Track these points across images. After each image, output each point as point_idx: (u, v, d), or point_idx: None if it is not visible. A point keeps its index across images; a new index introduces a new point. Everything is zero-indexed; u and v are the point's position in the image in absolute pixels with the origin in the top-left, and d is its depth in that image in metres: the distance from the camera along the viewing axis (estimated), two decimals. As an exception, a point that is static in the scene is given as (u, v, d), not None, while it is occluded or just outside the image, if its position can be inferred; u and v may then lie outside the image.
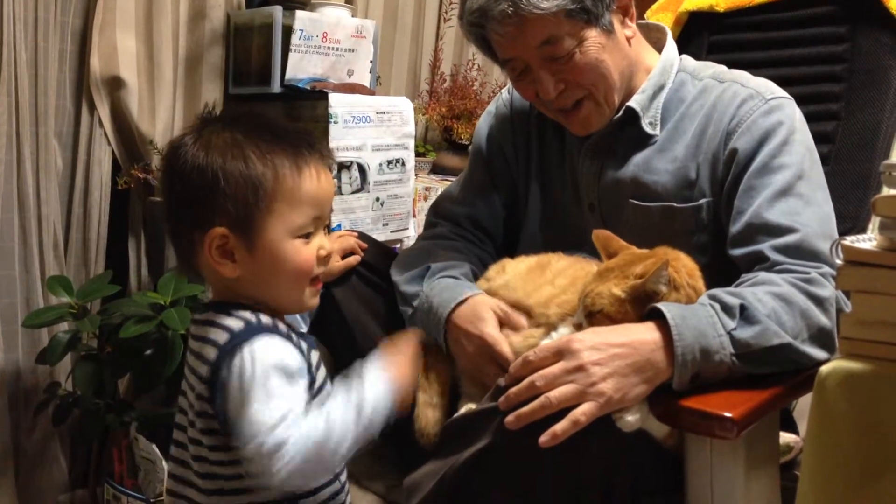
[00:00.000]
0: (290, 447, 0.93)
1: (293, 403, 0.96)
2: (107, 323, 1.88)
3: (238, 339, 0.99)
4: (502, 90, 1.57)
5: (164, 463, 1.79)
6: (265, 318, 1.03)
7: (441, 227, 1.51)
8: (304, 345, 1.05)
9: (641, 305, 1.10)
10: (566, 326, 1.19)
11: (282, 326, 1.04)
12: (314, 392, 1.03)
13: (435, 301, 1.31)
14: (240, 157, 1.01)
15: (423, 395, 1.30)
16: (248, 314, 1.03)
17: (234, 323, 1.01)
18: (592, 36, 1.28)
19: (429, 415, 1.28)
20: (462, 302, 1.29)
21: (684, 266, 1.15)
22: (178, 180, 1.03)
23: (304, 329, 1.22)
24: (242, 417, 0.96)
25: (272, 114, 2.16)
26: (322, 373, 1.07)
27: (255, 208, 1.01)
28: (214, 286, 1.09)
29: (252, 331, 1.00)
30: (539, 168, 1.48)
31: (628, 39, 1.34)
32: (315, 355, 1.07)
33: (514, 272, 1.32)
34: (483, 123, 1.55)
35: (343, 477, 1.11)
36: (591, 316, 1.12)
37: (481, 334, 1.24)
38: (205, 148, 1.02)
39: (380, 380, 1.02)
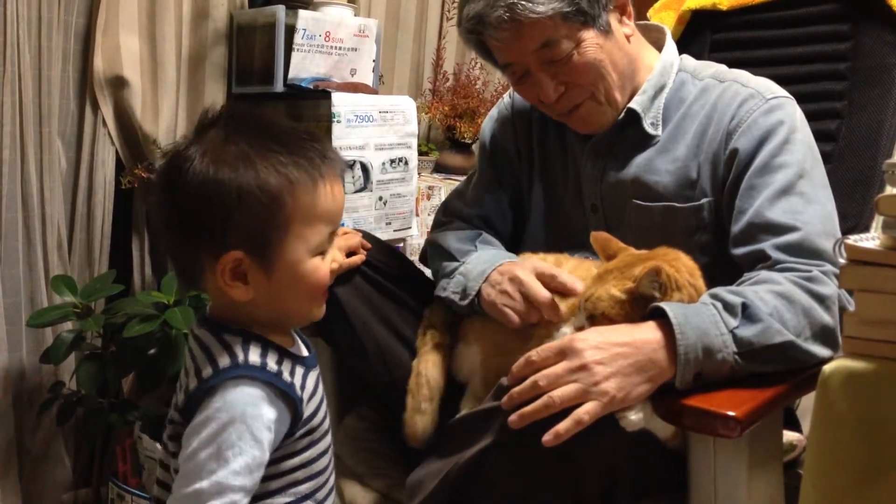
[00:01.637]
0: None
1: (240, 475, 0.93)
2: (110, 322, 1.88)
3: (219, 379, 0.95)
4: (504, 94, 1.58)
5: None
6: (253, 356, 0.97)
7: (456, 224, 1.52)
8: (297, 374, 1.01)
9: (641, 307, 1.10)
10: (568, 327, 1.19)
11: (271, 364, 0.98)
12: (301, 424, 1.00)
13: (484, 257, 1.34)
14: (253, 173, 0.94)
15: (412, 399, 1.30)
16: (238, 347, 0.97)
17: (222, 357, 0.96)
18: (590, 37, 1.28)
19: (416, 421, 1.28)
20: (509, 263, 1.31)
21: (685, 265, 1.15)
22: (184, 198, 0.95)
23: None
24: (189, 458, 0.94)
25: (275, 113, 2.15)
26: (316, 401, 1.03)
27: (272, 229, 0.95)
28: (218, 304, 1.03)
29: (234, 372, 0.95)
30: (541, 169, 1.48)
31: (627, 38, 1.35)
32: (312, 378, 1.03)
33: None
34: (486, 127, 1.56)
35: (328, 503, 1.07)
36: (592, 319, 1.12)
37: (513, 270, 1.26)
38: (215, 163, 0.94)
39: None
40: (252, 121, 1.01)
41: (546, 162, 1.48)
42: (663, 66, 1.37)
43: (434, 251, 1.45)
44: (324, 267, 1.01)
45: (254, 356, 0.97)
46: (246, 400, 0.94)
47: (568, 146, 1.44)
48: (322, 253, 1.00)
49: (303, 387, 1.01)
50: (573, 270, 1.28)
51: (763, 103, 1.28)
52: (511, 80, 1.37)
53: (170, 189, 0.97)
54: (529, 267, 1.26)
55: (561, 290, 1.23)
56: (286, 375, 0.99)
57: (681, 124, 1.34)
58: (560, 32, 1.26)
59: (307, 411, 1.01)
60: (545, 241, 1.46)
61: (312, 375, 1.04)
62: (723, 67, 1.39)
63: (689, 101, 1.35)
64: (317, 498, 1.05)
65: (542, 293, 1.22)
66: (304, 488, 1.03)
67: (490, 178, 1.53)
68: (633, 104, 1.34)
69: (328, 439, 1.07)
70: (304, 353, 1.07)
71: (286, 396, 0.98)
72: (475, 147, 2.77)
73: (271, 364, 0.98)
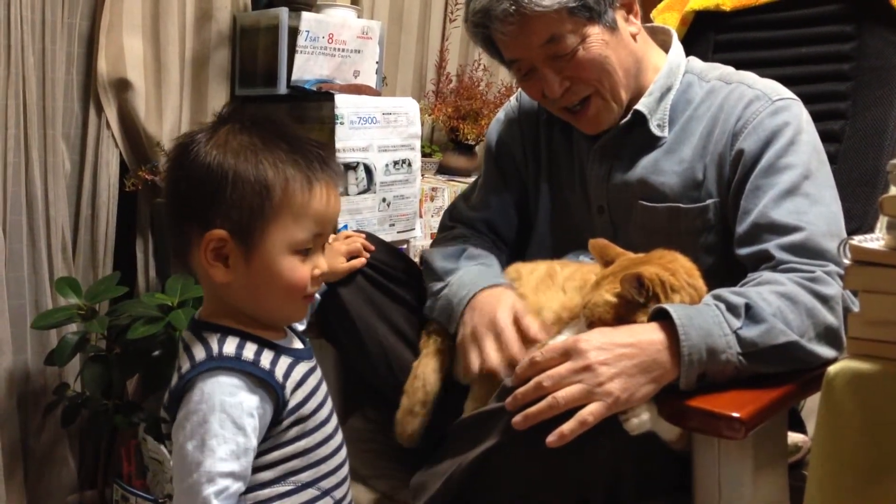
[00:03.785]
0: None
1: (226, 461, 0.96)
2: (115, 324, 1.89)
3: (195, 372, 0.99)
4: (511, 97, 1.58)
5: (172, 463, 1.80)
6: (228, 347, 1.00)
7: (459, 230, 1.52)
8: (281, 364, 1.02)
9: (631, 311, 1.11)
10: (570, 329, 1.19)
11: (247, 354, 1.00)
12: (286, 413, 1.01)
13: (466, 279, 1.33)
14: (253, 163, 0.99)
15: (407, 401, 1.30)
16: (214, 341, 1.01)
17: (199, 351, 1.00)
18: (595, 33, 1.28)
19: (408, 422, 1.29)
20: (491, 287, 1.29)
21: (682, 266, 1.15)
22: (185, 176, 1.01)
23: (302, 327, 1.21)
24: (178, 453, 0.98)
25: (278, 115, 2.16)
26: (305, 391, 1.04)
27: (258, 217, 0.99)
28: (204, 288, 1.07)
29: (209, 364, 0.99)
30: (548, 171, 1.49)
31: (633, 36, 1.35)
32: (300, 369, 1.04)
33: (526, 283, 1.32)
34: (492, 129, 1.56)
35: (339, 493, 1.08)
36: (592, 326, 1.13)
37: (494, 311, 1.24)
38: (219, 147, 1.00)
39: None
40: (267, 121, 1.06)
41: (553, 164, 1.48)
42: (670, 67, 1.37)
43: (424, 268, 1.44)
44: (302, 268, 1.03)
45: (229, 347, 1.01)
46: (223, 389, 0.98)
47: (574, 148, 1.44)
48: (304, 252, 1.03)
49: (286, 375, 1.03)
50: (569, 278, 1.28)
51: (769, 105, 1.28)
52: (516, 76, 1.37)
53: (175, 165, 1.03)
54: (508, 309, 1.23)
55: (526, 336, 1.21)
56: (264, 363, 1.01)
57: (687, 126, 1.34)
58: (565, 27, 1.26)
59: (293, 400, 1.02)
60: (552, 243, 1.46)
61: (302, 367, 1.05)
62: (730, 69, 1.39)
63: (695, 102, 1.35)
64: (322, 486, 1.06)
65: (516, 348, 1.19)
66: (304, 476, 1.04)
67: (496, 181, 1.53)
68: (639, 106, 1.34)
69: (327, 430, 1.07)
70: (297, 346, 1.09)
71: (266, 384, 1.00)
72: (479, 148, 2.77)
73: (247, 354, 1.01)
